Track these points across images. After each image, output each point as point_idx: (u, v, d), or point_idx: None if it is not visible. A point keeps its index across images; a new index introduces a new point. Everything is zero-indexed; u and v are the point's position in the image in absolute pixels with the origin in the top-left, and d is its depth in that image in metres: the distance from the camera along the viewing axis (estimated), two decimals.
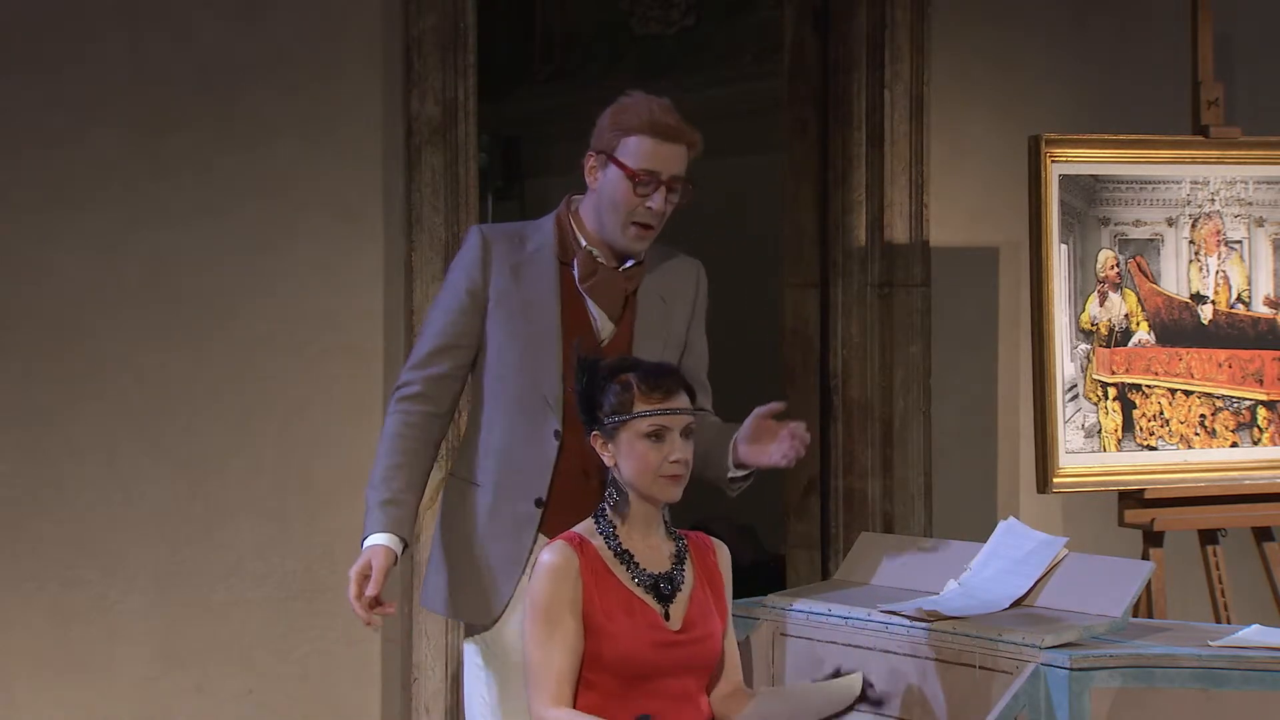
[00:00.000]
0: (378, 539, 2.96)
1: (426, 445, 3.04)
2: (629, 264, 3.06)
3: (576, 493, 2.98)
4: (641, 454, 2.69)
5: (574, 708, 2.65)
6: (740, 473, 2.99)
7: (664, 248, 3.14)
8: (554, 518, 2.98)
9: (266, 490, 3.99)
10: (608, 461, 2.72)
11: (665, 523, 2.77)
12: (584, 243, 3.05)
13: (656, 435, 2.69)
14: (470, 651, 3.05)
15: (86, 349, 3.89)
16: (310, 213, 4.04)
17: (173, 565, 3.93)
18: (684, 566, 2.75)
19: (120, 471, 3.90)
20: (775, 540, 5.15)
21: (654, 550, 2.74)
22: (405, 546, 2.99)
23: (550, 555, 2.69)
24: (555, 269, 3.05)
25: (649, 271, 3.09)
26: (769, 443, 2.93)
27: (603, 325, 3.05)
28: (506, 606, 3.00)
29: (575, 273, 3.04)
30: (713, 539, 2.85)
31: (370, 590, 2.91)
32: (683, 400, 2.72)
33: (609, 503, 2.73)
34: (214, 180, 3.95)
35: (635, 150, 3.00)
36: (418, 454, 3.02)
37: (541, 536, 2.99)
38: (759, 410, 2.96)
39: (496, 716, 2.99)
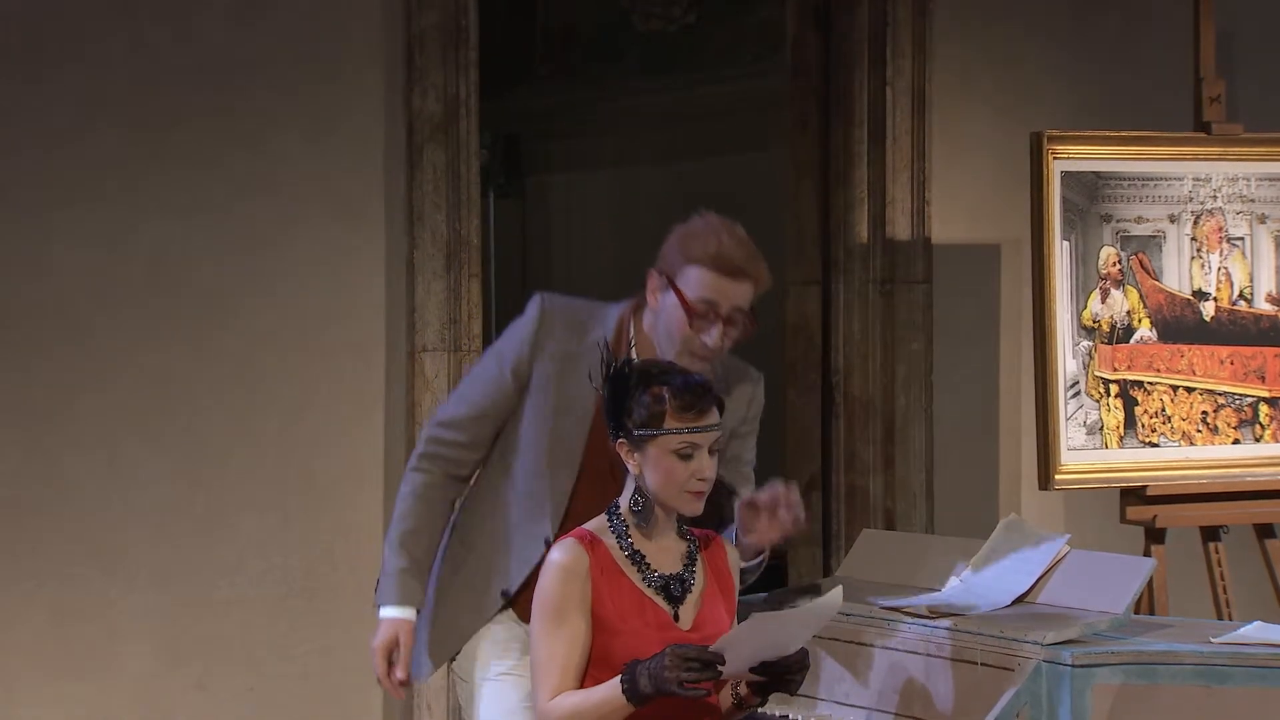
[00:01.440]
0: (402, 612, 2.93)
1: (445, 507, 2.99)
2: None
3: None
4: (669, 470, 2.66)
5: None
6: (749, 563, 2.88)
7: (726, 359, 2.98)
8: (521, 606, 2.94)
9: (268, 487, 3.99)
10: (633, 469, 2.68)
11: (677, 524, 2.76)
12: (635, 357, 2.92)
13: (686, 453, 2.67)
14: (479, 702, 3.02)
15: (87, 346, 3.88)
16: (311, 209, 4.03)
17: (174, 563, 3.93)
18: (695, 567, 2.74)
19: (121, 469, 3.90)
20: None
21: (665, 551, 2.73)
22: (418, 611, 2.97)
23: (560, 554, 2.67)
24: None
25: None
26: (763, 522, 2.84)
27: None
28: (453, 659, 2.98)
29: None
30: (723, 538, 2.84)
31: (400, 674, 2.91)
32: (714, 417, 2.68)
33: (632, 506, 2.70)
34: (215, 177, 3.95)
35: (696, 281, 2.86)
36: (438, 516, 2.98)
37: (499, 618, 2.97)
38: (739, 503, 2.86)
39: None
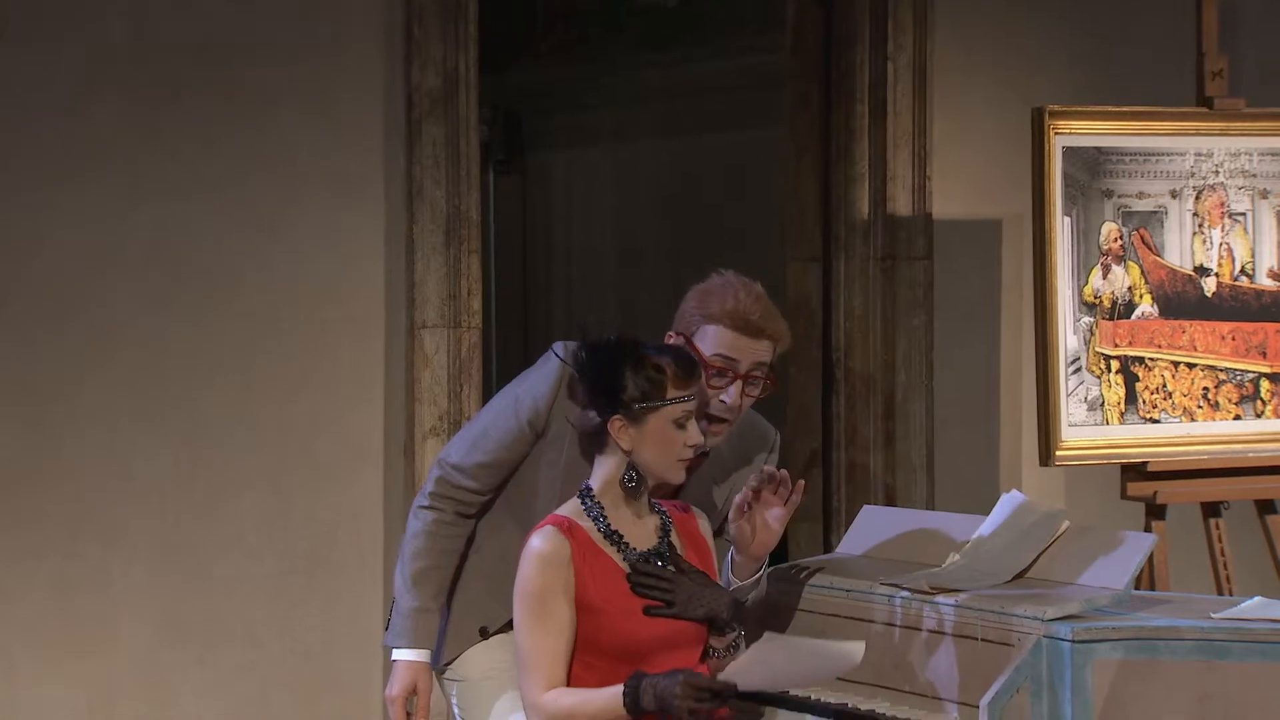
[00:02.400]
0: (418, 655, 2.88)
1: (457, 544, 2.94)
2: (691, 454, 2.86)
3: None
4: (669, 440, 2.66)
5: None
6: (741, 581, 2.83)
7: (745, 414, 2.94)
8: (492, 640, 2.94)
9: (268, 464, 3.99)
10: (624, 445, 2.68)
11: (648, 498, 2.76)
12: None
13: (683, 422, 2.68)
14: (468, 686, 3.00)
15: (87, 323, 3.88)
16: (310, 185, 4.02)
17: (174, 540, 3.93)
18: (670, 538, 2.75)
19: (121, 446, 3.90)
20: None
21: (641, 527, 2.73)
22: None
23: (540, 543, 2.66)
24: None
25: (717, 450, 2.91)
26: (760, 522, 2.79)
27: None
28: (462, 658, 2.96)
29: None
30: (693, 507, 2.83)
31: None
32: (697, 386, 2.71)
33: (626, 481, 2.69)
34: (214, 153, 3.94)
35: (713, 338, 2.83)
36: (451, 554, 2.93)
37: (471, 648, 2.95)
38: (733, 507, 2.81)
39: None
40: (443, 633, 2.97)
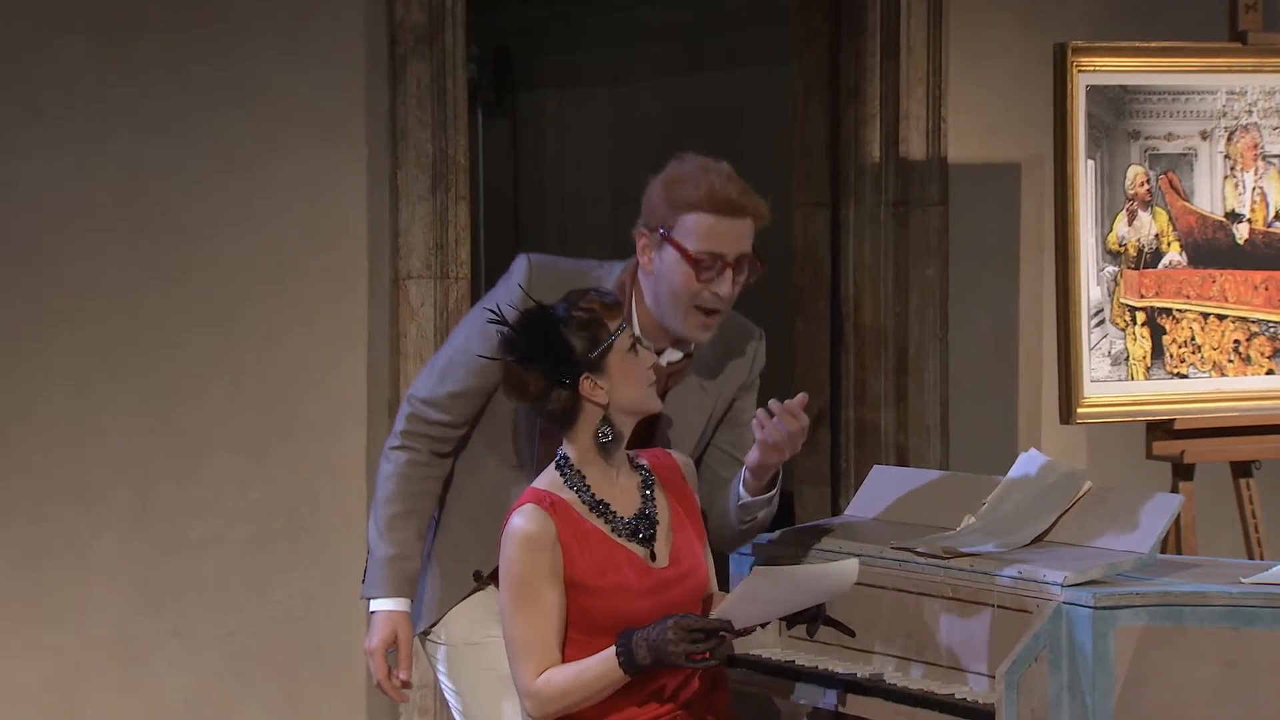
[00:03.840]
0: (397, 605, 2.86)
1: (433, 486, 2.92)
2: (677, 357, 2.90)
3: None
4: (633, 369, 2.70)
5: None
6: (752, 497, 2.86)
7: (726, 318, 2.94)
8: (488, 584, 2.93)
9: (246, 422, 4.00)
10: (600, 401, 2.69)
11: (627, 456, 2.77)
12: (638, 328, 2.85)
13: (634, 347, 2.72)
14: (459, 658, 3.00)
15: (53, 271, 3.87)
16: (288, 127, 4.01)
17: (147, 502, 3.94)
18: (654, 496, 2.76)
19: (91, 402, 3.90)
20: (783, 475, 5.16)
21: (624, 491, 2.74)
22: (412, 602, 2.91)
23: (523, 523, 2.66)
24: None
25: (701, 355, 2.91)
26: (771, 432, 2.80)
27: None
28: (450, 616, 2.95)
29: None
30: (671, 452, 2.85)
31: (403, 674, 2.85)
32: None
33: (600, 438, 2.71)
34: (187, 92, 3.93)
35: (694, 230, 2.79)
36: (427, 496, 2.91)
37: (472, 595, 2.94)
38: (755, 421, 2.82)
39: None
40: (423, 594, 2.96)
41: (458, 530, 2.96)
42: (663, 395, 2.87)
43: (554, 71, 6.80)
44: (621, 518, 2.71)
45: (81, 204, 3.89)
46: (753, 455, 2.85)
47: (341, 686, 4.08)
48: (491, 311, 2.77)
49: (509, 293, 2.88)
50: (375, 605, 2.90)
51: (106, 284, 3.91)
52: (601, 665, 2.61)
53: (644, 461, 2.80)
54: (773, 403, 2.83)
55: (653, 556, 2.72)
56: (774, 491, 2.91)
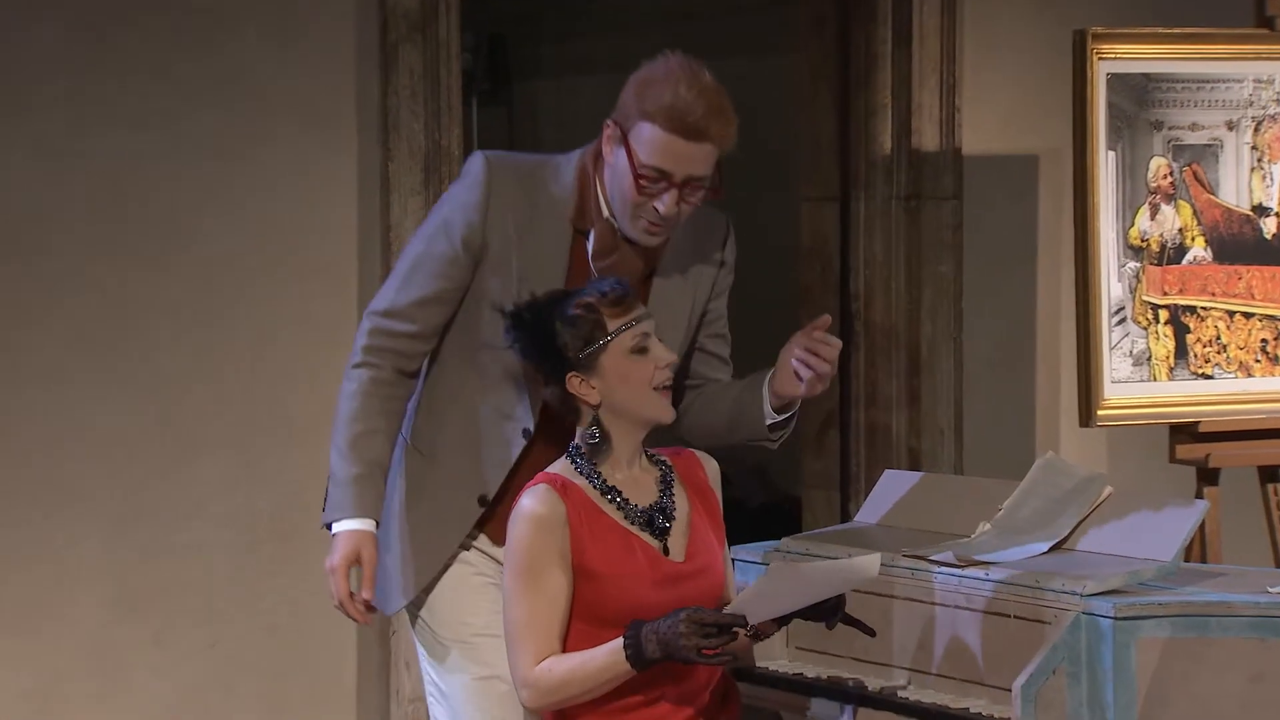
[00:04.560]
0: (361, 524, 2.81)
1: (397, 406, 2.88)
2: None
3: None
4: (631, 371, 2.67)
5: None
6: (778, 417, 2.86)
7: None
8: (497, 520, 2.88)
9: (232, 423, 3.99)
10: (591, 400, 2.69)
11: (644, 449, 2.76)
12: (606, 211, 2.84)
13: (641, 347, 2.68)
14: (430, 633, 2.98)
15: (31, 267, 3.87)
16: (276, 118, 4.01)
17: (128, 505, 3.93)
18: (673, 491, 2.74)
19: (70, 402, 3.89)
20: (790, 479, 5.16)
21: (639, 482, 2.73)
22: (378, 523, 2.86)
23: (532, 503, 2.65)
24: (568, 237, 2.84)
25: (674, 242, 2.90)
26: (801, 357, 2.80)
27: None
28: (438, 582, 2.91)
29: (589, 246, 2.84)
30: (697, 452, 2.83)
31: (365, 593, 2.80)
32: (642, 308, 2.72)
33: (589, 438, 2.70)
34: (171, 82, 3.93)
35: (647, 140, 2.75)
36: (388, 416, 2.86)
37: (478, 533, 2.90)
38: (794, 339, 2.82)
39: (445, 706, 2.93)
40: (406, 558, 2.91)
41: (451, 461, 2.90)
42: (647, 278, 2.87)
43: (551, 59, 6.80)
44: (635, 505, 2.71)
45: (60, 199, 3.88)
46: (794, 388, 2.81)
47: (330, 699, 4.07)
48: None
49: (465, 192, 2.85)
50: (339, 527, 2.83)
51: (86, 281, 3.91)
52: (607, 657, 2.59)
53: (665, 458, 2.78)
54: (803, 339, 2.80)
55: (666, 550, 2.70)
56: (793, 413, 2.90)
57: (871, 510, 3.30)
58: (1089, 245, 3.98)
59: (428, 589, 2.93)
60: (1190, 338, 4.07)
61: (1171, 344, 4.05)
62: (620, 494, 2.70)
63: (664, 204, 2.78)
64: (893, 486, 3.32)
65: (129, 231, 3.93)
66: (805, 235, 4.70)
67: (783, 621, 2.69)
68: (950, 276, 4.57)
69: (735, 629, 2.56)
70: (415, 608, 2.97)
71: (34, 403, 3.87)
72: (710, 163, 2.80)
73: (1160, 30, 4.08)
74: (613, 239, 2.84)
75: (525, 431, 2.87)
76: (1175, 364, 4.05)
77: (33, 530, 3.87)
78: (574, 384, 2.69)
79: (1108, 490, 3.08)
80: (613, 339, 2.67)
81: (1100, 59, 3.98)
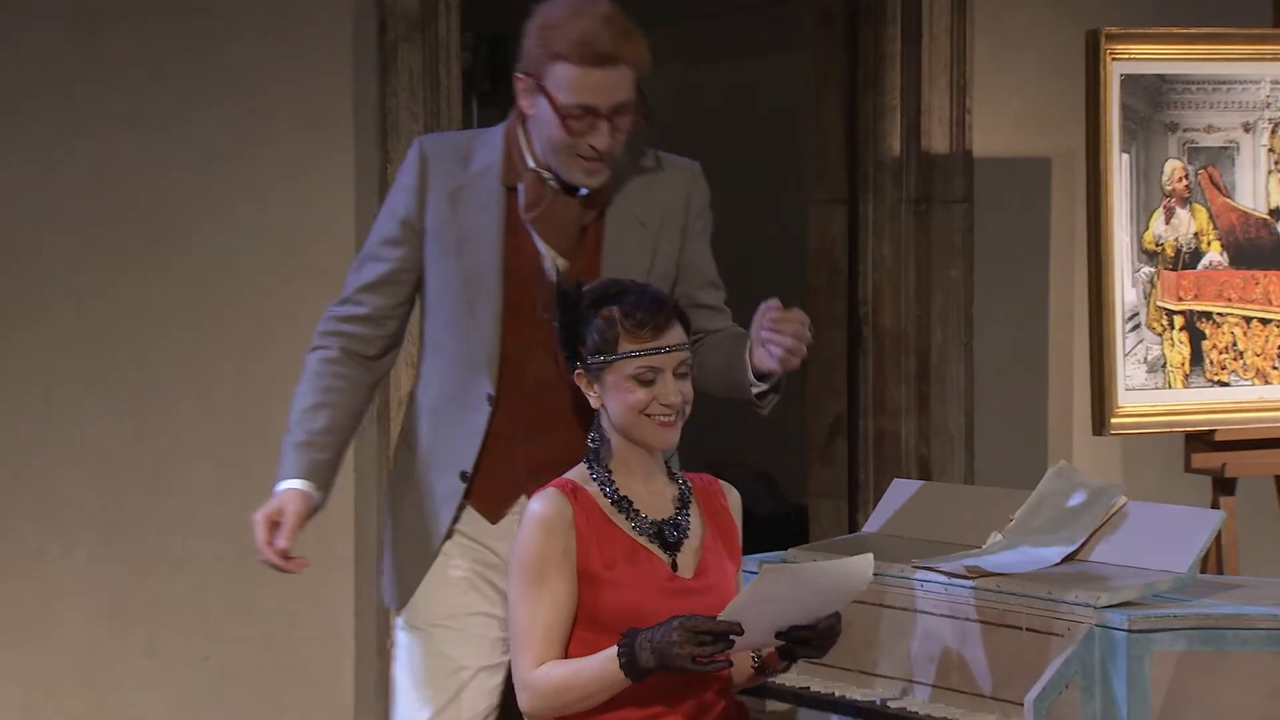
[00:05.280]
0: (295, 484, 2.88)
1: (351, 386, 2.94)
2: (586, 191, 2.90)
3: (511, 466, 2.92)
4: (628, 397, 2.67)
5: None
6: (761, 385, 2.87)
7: (650, 153, 2.99)
8: (481, 494, 2.92)
9: (225, 431, 3.99)
10: (594, 403, 2.71)
11: (666, 466, 2.76)
12: (531, 163, 2.90)
13: (646, 378, 2.67)
14: (398, 632, 3.01)
15: (20, 271, 3.88)
16: (272, 119, 4.02)
17: (118, 515, 3.93)
18: (689, 511, 2.74)
19: (59, 410, 3.89)
20: (796, 489, 5.17)
21: (655, 496, 2.74)
22: (324, 497, 2.91)
23: (539, 505, 2.67)
24: (500, 196, 2.90)
25: (625, 188, 2.93)
26: (775, 328, 2.79)
27: (552, 262, 2.90)
28: (416, 591, 2.95)
29: (520, 200, 2.89)
30: (720, 481, 2.84)
31: (280, 541, 2.84)
32: (675, 335, 2.69)
33: (589, 441, 2.72)
34: (163, 82, 3.93)
35: (563, 81, 2.79)
36: (340, 393, 2.93)
37: (466, 511, 2.94)
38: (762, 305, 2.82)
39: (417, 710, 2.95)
40: (400, 549, 2.96)
41: (429, 443, 2.95)
42: (586, 227, 2.90)
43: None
44: (645, 517, 2.71)
45: (50, 201, 3.89)
46: (769, 365, 2.82)
47: (327, 712, 4.07)
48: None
49: (402, 176, 2.95)
50: (276, 489, 2.91)
51: (76, 285, 3.91)
52: (601, 664, 2.60)
53: (686, 479, 2.79)
54: (766, 315, 2.79)
55: (675, 566, 2.71)
56: (779, 381, 2.89)
57: (880, 520, 3.30)
58: (1102, 249, 3.98)
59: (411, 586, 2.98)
60: (1206, 344, 4.07)
61: (1187, 350, 4.05)
62: (632, 505, 2.71)
63: (599, 139, 2.83)
64: (902, 496, 3.32)
65: (121, 234, 3.94)
66: (813, 238, 4.70)
67: (790, 658, 2.68)
68: (961, 281, 4.57)
69: (731, 636, 2.56)
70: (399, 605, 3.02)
71: (21, 410, 3.88)
72: (630, 87, 2.84)
73: (1175, 30, 4.08)
74: (540, 189, 2.89)
75: (489, 398, 2.90)
76: (1191, 371, 4.05)
77: (21, 541, 3.87)
78: (580, 381, 2.71)
79: (1122, 500, 3.07)
80: (617, 360, 2.67)
81: (1114, 60, 3.99)
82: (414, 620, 2.98)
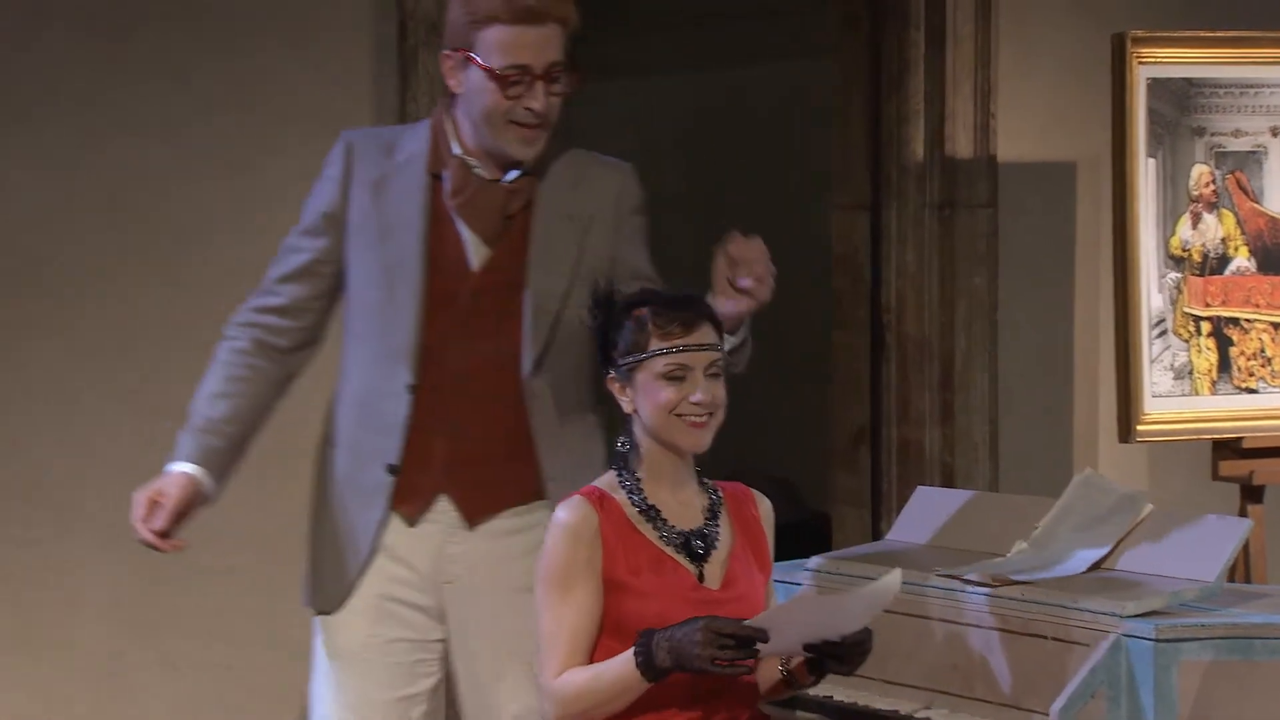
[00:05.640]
0: (180, 467, 2.88)
1: (259, 377, 2.95)
2: (513, 174, 2.91)
3: (439, 457, 2.91)
4: (658, 396, 2.67)
5: None
6: (734, 340, 2.84)
7: (582, 154, 3.00)
8: (410, 487, 2.92)
9: None
10: (626, 409, 2.72)
11: (697, 475, 2.77)
12: (457, 150, 2.91)
13: (676, 375, 2.68)
14: (315, 638, 3.01)
15: (40, 279, 3.89)
16: (291, 124, 4.02)
17: None
18: (718, 522, 2.75)
19: (79, 419, 3.91)
20: (819, 496, 5.16)
21: (684, 505, 2.74)
22: (217, 486, 2.91)
23: (566, 513, 2.68)
24: (424, 184, 2.91)
25: (554, 184, 2.94)
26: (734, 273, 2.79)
27: (475, 251, 2.92)
28: (351, 594, 2.94)
29: (445, 187, 2.90)
30: (753, 490, 2.84)
31: (156, 524, 2.84)
32: (706, 334, 2.69)
33: (620, 447, 2.73)
34: (183, 90, 3.94)
35: (494, 44, 2.81)
36: (246, 383, 2.94)
37: (394, 513, 2.93)
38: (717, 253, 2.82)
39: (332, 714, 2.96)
40: (327, 552, 2.96)
41: (352, 437, 2.95)
42: (512, 217, 2.90)
43: (579, 62, 6.80)
44: (673, 526, 2.71)
45: (70, 209, 3.90)
46: (736, 308, 2.82)
47: None
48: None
49: (325, 169, 2.97)
50: (166, 469, 2.92)
51: (97, 293, 3.92)
52: (620, 666, 2.60)
53: (717, 488, 2.79)
54: (726, 251, 2.80)
55: (701, 577, 2.71)
56: (742, 334, 2.89)
57: (904, 528, 3.30)
58: (1128, 255, 3.97)
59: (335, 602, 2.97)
60: (1233, 350, 4.06)
61: (1214, 357, 4.05)
62: (660, 514, 2.71)
63: (535, 101, 2.84)
64: (925, 504, 3.32)
65: (139, 243, 3.95)
66: (836, 244, 4.70)
67: (818, 673, 2.68)
68: (985, 287, 4.56)
69: (757, 645, 2.56)
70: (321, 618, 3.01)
71: (42, 419, 3.89)
72: (560, 46, 2.86)
73: (1202, 33, 4.07)
74: (466, 176, 2.90)
75: (408, 387, 2.91)
76: (1218, 378, 4.04)
77: (41, 551, 3.88)
78: (614, 387, 2.71)
79: (1148, 508, 3.07)
80: (649, 358, 2.68)
81: (1140, 63, 3.98)
82: (329, 646, 2.97)
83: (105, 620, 3.93)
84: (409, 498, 2.93)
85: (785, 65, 5.97)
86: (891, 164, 4.59)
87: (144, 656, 3.95)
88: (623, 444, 2.72)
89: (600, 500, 2.69)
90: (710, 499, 2.77)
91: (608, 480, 2.74)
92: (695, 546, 2.71)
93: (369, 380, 2.94)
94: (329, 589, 2.98)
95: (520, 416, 2.91)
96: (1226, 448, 4.04)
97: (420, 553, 2.93)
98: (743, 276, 2.79)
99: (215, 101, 3.97)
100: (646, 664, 2.57)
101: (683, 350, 2.67)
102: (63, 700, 3.90)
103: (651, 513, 2.71)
